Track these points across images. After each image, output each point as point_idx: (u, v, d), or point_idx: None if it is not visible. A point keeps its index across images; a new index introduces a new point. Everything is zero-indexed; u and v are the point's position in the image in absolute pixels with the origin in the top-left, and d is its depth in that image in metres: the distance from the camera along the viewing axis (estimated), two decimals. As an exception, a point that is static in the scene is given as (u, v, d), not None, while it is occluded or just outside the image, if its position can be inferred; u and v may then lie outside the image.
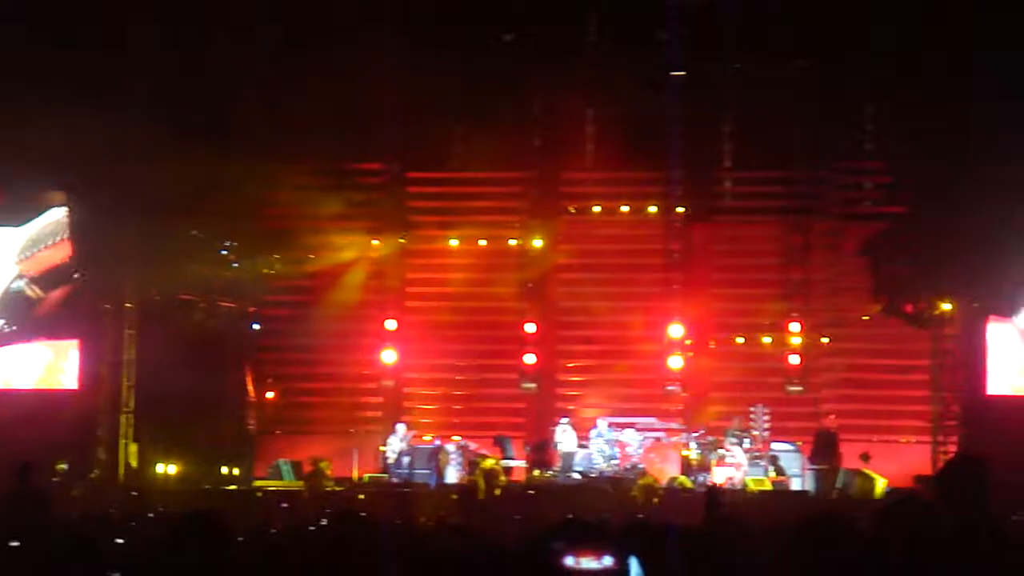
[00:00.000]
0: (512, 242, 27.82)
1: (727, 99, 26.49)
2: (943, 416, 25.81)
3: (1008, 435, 23.17)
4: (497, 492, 24.29)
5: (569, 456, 25.53)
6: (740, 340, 27.34)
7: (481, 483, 24.44)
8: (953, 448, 24.91)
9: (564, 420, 26.06)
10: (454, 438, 26.21)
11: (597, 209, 27.97)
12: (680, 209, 27.12)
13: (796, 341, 26.72)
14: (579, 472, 25.25)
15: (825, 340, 27.05)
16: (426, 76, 24.53)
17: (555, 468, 25.43)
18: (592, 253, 27.86)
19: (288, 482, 25.68)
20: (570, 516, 8.28)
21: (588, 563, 4.34)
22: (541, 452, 25.73)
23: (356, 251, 27.89)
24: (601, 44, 25.91)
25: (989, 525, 6.64)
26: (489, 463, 24.98)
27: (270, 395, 28.14)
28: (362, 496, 23.72)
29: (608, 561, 4.30)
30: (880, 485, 23.91)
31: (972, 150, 23.66)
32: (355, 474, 25.72)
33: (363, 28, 24.17)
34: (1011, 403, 24.54)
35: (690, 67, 25.73)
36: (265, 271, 27.71)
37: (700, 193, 27.56)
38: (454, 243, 27.97)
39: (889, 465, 24.58)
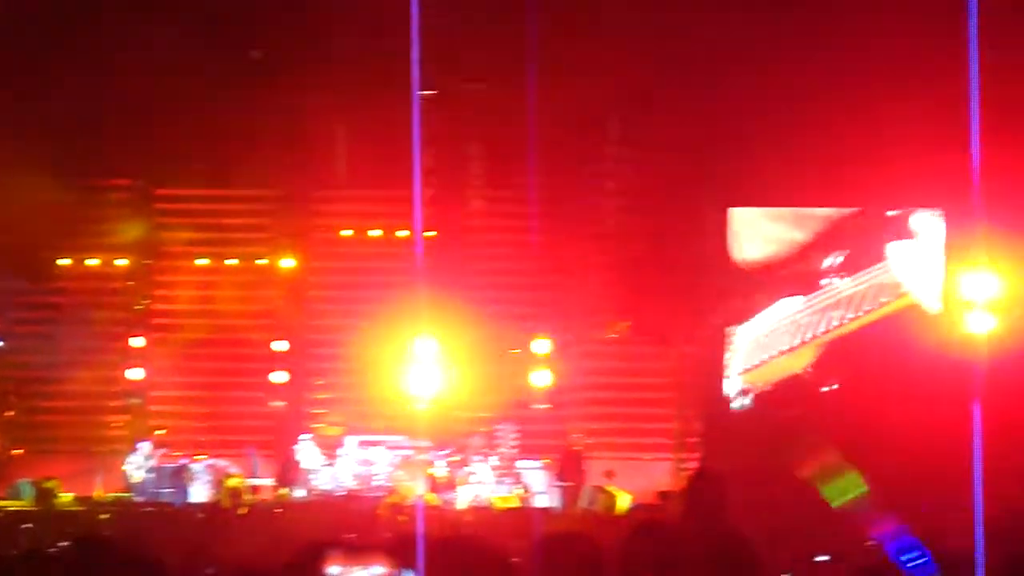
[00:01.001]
0: (262, 262, 27.61)
1: (474, 118, 26.70)
2: (685, 433, 26.44)
3: (748, 448, 23.89)
4: (243, 511, 24.09)
5: (312, 473, 25.46)
6: (489, 351, 27.47)
7: (226, 502, 24.24)
8: (695, 464, 25.47)
9: (306, 437, 25.97)
10: (200, 457, 25.89)
11: (348, 233, 27.89)
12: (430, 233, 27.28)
13: (544, 358, 27.02)
14: (326, 489, 25.21)
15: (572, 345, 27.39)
16: (172, 92, 24.28)
17: (300, 486, 25.33)
18: (343, 271, 27.85)
19: (29, 502, 25.06)
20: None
21: (358, 572, 4.37)
22: (287, 470, 25.61)
23: (103, 268, 27.43)
24: (352, 61, 25.86)
25: (729, 538, 6.86)
26: (234, 481, 24.80)
27: (10, 413, 27.43)
28: (105, 516, 23.26)
29: (378, 571, 4.32)
30: (623, 502, 24.36)
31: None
32: (98, 493, 25.23)
33: (106, 41, 23.79)
34: (745, 418, 25.23)
35: (439, 86, 25.86)
36: (8, 287, 27.00)
37: (450, 212, 27.72)
38: (203, 262, 27.64)
39: (633, 482, 25.05)
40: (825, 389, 25.33)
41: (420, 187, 27.30)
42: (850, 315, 25.68)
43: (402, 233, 27.78)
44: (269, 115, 26.28)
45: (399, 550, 5.88)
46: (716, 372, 25.89)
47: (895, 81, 23.36)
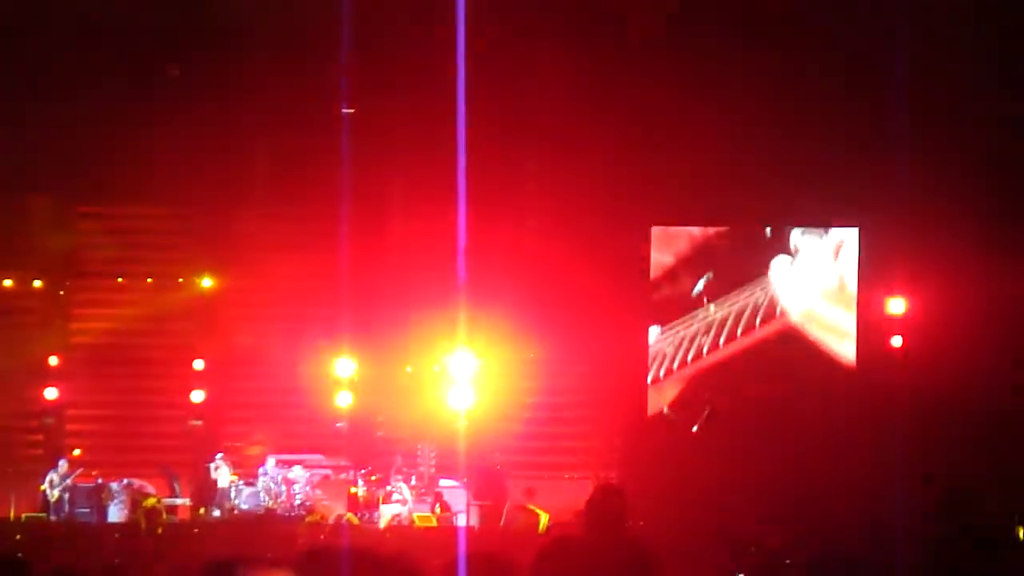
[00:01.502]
0: (180, 280, 27.47)
1: (394, 135, 26.74)
2: (604, 450, 26.57)
3: (663, 468, 24.11)
4: (159, 531, 23.95)
5: (224, 492, 25.36)
6: (408, 369, 27.46)
7: (142, 522, 24.10)
8: (615, 481, 25.59)
9: (218, 456, 25.85)
10: (117, 477, 25.71)
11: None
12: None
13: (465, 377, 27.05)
14: (244, 509, 25.12)
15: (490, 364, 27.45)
16: (93, 108, 24.20)
17: (217, 505, 25.24)
18: (264, 289, 27.74)
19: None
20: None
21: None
22: (204, 489, 25.50)
23: (20, 286, 27.25)
24: (271, 78, 25.82)
25: (630, 550, 6.95)
26: (151, 501, 24.69)
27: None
28: (19, 536, 23.03)
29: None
30: (543, 520, 24.40)
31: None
32: (12, 514, 24.99)
33: (27, 59, 23.68)
34: (663, 435, 25.42)
35: (359, 103, 25.90)
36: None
37: (369, 230, 27.71)
38: (120, 280, 27.47)
39: (554, 500, 25.09)
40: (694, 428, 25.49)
41: (341, 207, 27.35)
42: (722, 339, 25.99)
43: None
44: (189, 132, 26.16)
45: (312, 566, 5.88)
46: (636, 388, 26.03)
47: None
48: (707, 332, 25.96)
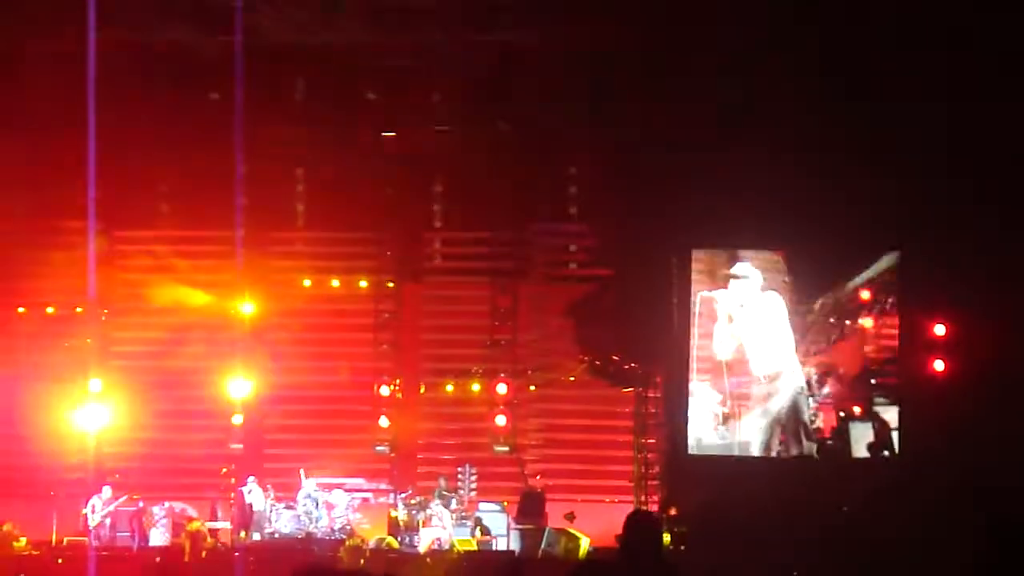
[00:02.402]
0: (222, 305, 27.47)
1: (435, 161, 26.79)
2: (645, 476, 26.46)
3: (705, 493, 23.90)
4: (203, 555, 23.99)
5: (261, 516, 25.36)
6: (449, 388, 27.41)
7: (186, 545, 24.13)
8: (655, 506, 25.49)
9: (251, 479, 25.85)
10: (166, 503, 25.75)
11: (307, 283, 27.82)
12: (390, 283, 27.35)
13: (503, 397, 27.00)
14: (285, 533, 25.15)
15: (532, 388, 27.36)
16: (130, 134, 24.36)
17: (258, 529, 25.25)
18: (302, 313, 27.81)
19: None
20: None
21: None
22: (245, 513, 25.50)
23: (62, 311, 27.38)
24: (310, 104, 25.91)
25: (662, 569, 6.89)
26: (195, 525, 24.70)
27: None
28: (60, 560, 23.11)
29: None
30: (584, 544, 24.31)
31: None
32: (54, 538, 25.04)
33: (56, 78, 23.79)
34: (709, 461, 25.17)
35: (398, 128, 25.95)
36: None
37: (410, 254, 27.78)
38: (163, 304, 27.52)
39: (594, 524, 24.97)
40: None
41: (379, 231, 27.45)
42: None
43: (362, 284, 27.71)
44: (231, 158, 26.22)
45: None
46: (678, 415, 25.84)
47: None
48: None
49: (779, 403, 24.99)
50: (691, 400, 25.25)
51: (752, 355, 25.09)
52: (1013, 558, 6.98)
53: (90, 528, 25.12)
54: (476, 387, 27.18)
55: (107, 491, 25.52)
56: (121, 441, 27.48)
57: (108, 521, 25.11)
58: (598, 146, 25.75)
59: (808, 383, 25.08)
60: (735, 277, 24.92)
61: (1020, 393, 22.93)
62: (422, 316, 28.04)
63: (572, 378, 27.03)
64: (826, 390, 25.14)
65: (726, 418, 24.99)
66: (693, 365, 25.46)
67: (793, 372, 25.14)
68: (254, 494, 25.63)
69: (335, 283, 27.66)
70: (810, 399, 25.06)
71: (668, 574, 6.93)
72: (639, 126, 24.42)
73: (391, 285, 27.55)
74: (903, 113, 23.34)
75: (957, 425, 23.25)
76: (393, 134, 26.02)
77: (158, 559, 23.51)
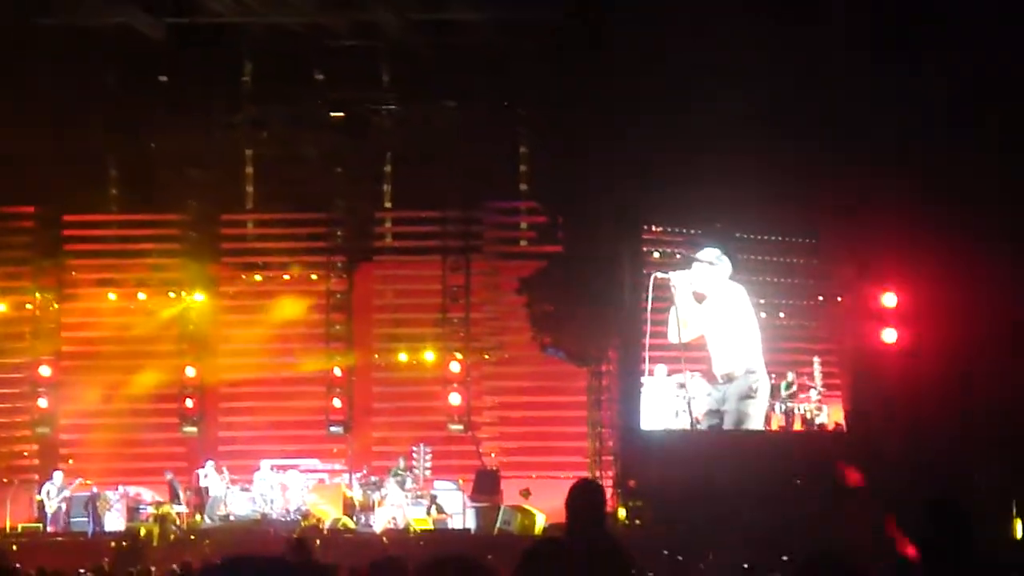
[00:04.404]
0: (172, 295, 27.37)
1: (384, 140, 26.72)
2: (600, 452, 26.52)
3: (661, 467, 23.94)
4: (172, 537, 23.91)
5: (216, 499, 25.33)
6: (403, 357, 27.38)
7: (155, 530, 24.02)
8: (611, 482, 25.53)
9: (208, 463, 25.82)
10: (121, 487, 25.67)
11: (258, 278, 27.73)
12: (340, 264, 27.28)
13: (456, 376, 27.00)
14: (240, 515, 25.12)
15: (486, 356, 27.35)
16: (75, 115, 24.24)
17: (213, 511, 25.22)
18: (253, 295, 27.76)
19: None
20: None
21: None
22: (200, 496, 25.46)
23: (10, 297, 27.23)
24: (258, 84, 25.84)
25: (606, 544, 6.93)
26: (164, 509, 24.64)
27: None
28: (15, 547, 22.98)
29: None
30: (540, 520, 24.36)
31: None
32: (7, 524, 24.94)
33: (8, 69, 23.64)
34: (660, 437, 25.19)
35: (347, 107, 25.87)
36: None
37: (361, 234, 27.75)
38: (112, 295, 27.38)
39: (550, 501, 25.02)
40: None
41: (328, 211, 27.41)
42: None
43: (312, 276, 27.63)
44: (177, 138, 26.11)
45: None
46: (631, 391, 25.87)
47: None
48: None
49: (730, 407, 24.42)
50: (645, 379, 25.18)
51: (713, 350, 24.51)
52: (949, 540, 7.05)
53: (47, 514, 25.04)
54: (429, 356, 27.16)
55: (59, 476, 25.45)
56: (73, 427, 27.39)
57: (63, 507, 25.05)
58: (547, 123, 25.73)
59: (774, 388, 24.67)
60: (699, 261, 24.47)
61: (970, 362, 23.04)
62: (374, 296, 28.02)
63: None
64: (790, 391, 24.92)
65: (678, 413, 24.80)
66: (647, 342, 25.46)
67: (753, 375, 24.40)
68: (211, 477, 25.59)
69: (286, 277, 27.58)
70: (776, 405, 24.67)
71: (612, 547, 6.97)
72: (588, 101, 24.41)
73: (340, 267, 27.46)
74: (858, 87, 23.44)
75: (907, 398, 23.40)
76: (341, 114, 25.94)
77: (124, 543, 23.36)
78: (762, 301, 25.09)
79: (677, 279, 23.94)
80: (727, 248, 24.59)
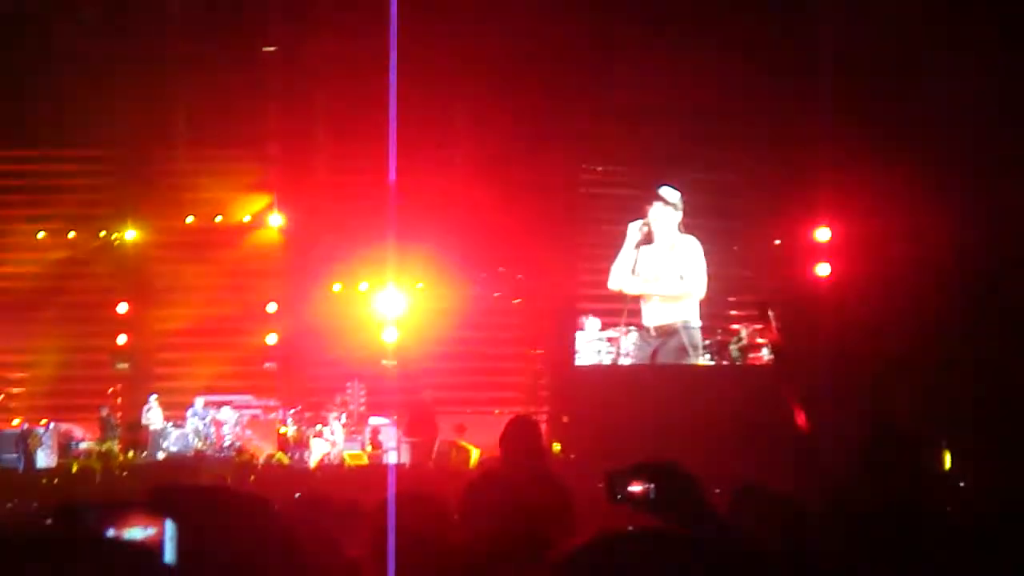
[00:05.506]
0: (102, 234, 27.13)
1: (320, 71, 26.50)
2: (534, 387, 26.61)
3: (593, 401, 24.02)
4: (125, 474, 23.76)
5: (157, 434, 25.24)
6: (336, 288, 27.26)
7: (98, 466, 23.87)
8: (544, 417, 25.62)
9: (152, 398, 25.73)
10: (44, 422, 25.49)
11: (191, 220, 27.49)
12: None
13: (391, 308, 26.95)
14: (174, 451, 25.04)
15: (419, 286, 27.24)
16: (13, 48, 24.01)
17: (147, 448, 25.12)
18: (188, 231, 27.55)
19: None
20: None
21: (132, 533, 4.37)
22: (134, 432, 25.37)
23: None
24: (189, 18, 25.58)
25: (542, 479, 6.94)
26: (107, 445, 24.54)
27: None
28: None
29: (151, 531, 4.33)
30: (474, 455, 24.42)
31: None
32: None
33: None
34: (594, 372, 25.27)
35: (280, 42, 25.67)
36: None
37: (298, 167, 27.57)
38: (41, 235, 27.11)
39: (484, 436, 25.07)
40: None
41: (265, 147, 27.21)
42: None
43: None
44: (113, 68, 25.77)
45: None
46: (566, 326, 25.93)
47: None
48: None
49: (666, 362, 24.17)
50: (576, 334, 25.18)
51: (649, 301, 24.23)
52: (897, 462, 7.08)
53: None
54: (364, 287, 27.07)
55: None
56: (3, 363, 27.18)
57: (-10, 442, 24.90)
58: (485, 63, 25.61)
59: (721, 346, 24.35)
60: (662, 201, 23.93)
61: (905, 296, 23.19)
62: (309, 232, 27.83)
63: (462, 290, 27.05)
64: (740, 347, 24.46)
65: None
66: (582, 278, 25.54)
67: (693, 330, 24.03)
68: (153, 412, 25.48)
69: (218, 219, 27.38)
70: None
71: (548, 479, 7.00)
72: (529, 38, 24.40)
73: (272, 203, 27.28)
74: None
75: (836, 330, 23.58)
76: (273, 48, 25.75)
77: (55, 481, 23.16)
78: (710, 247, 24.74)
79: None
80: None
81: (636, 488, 5.00)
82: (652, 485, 5.00)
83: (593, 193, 26.49)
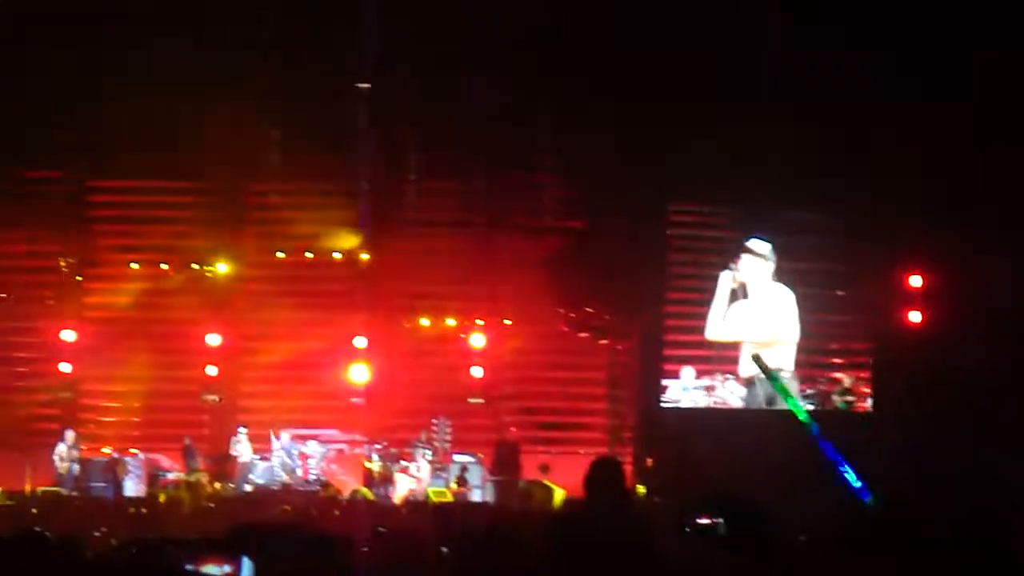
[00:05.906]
0: (194, 266, 27.37)
1: (411, 111, 26.60)
2: (619, 428, 26.49)
3: (679, 444, 23.87)
4: (212, 505, 23.91)
5: (245, 467, 25.35)
6: (425, 322, 27.29)
7: (187, 496, 24.03)
8: (630, 459, 25.50)
9: (241, 430, 25.86)
10: (132, 451, 25.71)
11: (281, 255, 27.67)
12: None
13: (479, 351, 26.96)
14: (260, 483, 25.13)
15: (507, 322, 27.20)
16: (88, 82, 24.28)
17: (234, 480, 25.22)
18: (277, 265, 27.70)
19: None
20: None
21: (209, 570, 4.38)
22: (221, 464, 25.48)
23: (34, 260, 27.26)
24: (285, 53, 25.75)
25: (629, 523, 6.89)
26: (195, 476, 24.66)
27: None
28: (35, 510, 23.03)
29: (227, 568, 4.32)
30: (558, 495, 24.34)
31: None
32: (28, 488, 24.99)
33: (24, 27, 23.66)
34: (680, 415, 25.14)
35: (374, 78, 25.76)
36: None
37: (384, 206, 27.63)
38: (134, 266, 27.38)
39: (568, 476, 24.99)
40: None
41: (356, 181, 27.30)
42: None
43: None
44: (207, 103, 26.00)
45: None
46: (652, 367, 25.83)
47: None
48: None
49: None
50: (671, 383, 25.02)
51: (743, 349, 24.22)
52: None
53: (60, 475, 25.08)
54: (451, 323, 27.11)
55: (70, 436, 25.50)
56: (94, 392, 27.43)
57: (75, 468, 25.09)
58: (573, 93, 25.57)
59: (825, 395, 24.29)
60: (751, 253, 24.12)
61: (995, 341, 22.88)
62: (398, 269, 27.90)
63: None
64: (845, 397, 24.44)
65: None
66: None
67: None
68: (242, 445, 25.62)
69: (309, 255, 27.54)
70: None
71: (633, 521, 6.94)
72: (609, 70, 24.37)
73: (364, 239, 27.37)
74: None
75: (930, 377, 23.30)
76: (368, 86, 25.85)
77: (143, 510, 23.32)
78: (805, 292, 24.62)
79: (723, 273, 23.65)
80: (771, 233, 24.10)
81: (704, 521, 4.89)
82: (721, 520, 4.89)
83: (686, 234, 26.33)
